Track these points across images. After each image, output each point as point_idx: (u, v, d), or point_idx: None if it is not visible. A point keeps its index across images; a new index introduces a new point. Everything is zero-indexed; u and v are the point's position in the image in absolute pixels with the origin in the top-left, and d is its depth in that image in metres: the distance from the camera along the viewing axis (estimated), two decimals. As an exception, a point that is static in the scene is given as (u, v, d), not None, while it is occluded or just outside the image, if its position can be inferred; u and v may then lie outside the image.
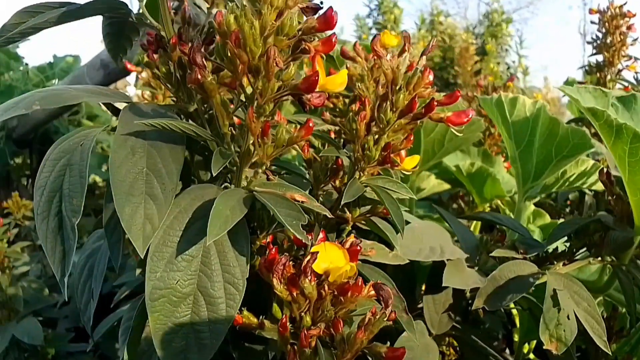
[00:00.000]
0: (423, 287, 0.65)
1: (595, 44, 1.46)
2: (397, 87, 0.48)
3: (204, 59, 0.37)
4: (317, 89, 0.38)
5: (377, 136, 0.48)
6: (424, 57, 0.49)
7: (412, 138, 0.49)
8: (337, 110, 0.71)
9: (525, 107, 0.83)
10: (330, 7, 0.37)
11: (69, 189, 0.39)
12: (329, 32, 0.40)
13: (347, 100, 0.72)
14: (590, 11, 1.45)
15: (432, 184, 1.17)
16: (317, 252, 0.36)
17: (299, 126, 0.40)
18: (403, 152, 0.52)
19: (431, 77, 0.50)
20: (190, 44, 0.41)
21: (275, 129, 0.41)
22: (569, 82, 1.86)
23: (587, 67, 1.51)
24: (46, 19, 0.43)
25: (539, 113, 0.82)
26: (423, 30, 4.11)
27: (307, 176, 0.53)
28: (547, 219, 1.16)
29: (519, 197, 0.86)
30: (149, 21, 0.46)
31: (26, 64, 2.44)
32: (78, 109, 2.27)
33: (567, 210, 1.12)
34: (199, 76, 0.37)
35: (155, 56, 0.47)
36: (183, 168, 0.40)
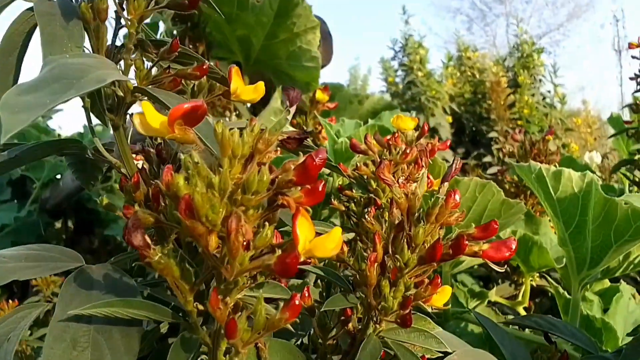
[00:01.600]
0: None
1: (638, 80, 1.37)
2: (415, 217, 0.39)
3: (145, 237, 0.28)
4: (301, 259, 0.29)
5: (393, 280, 0.38)
6: (446, 183, 0.39)
7: (438, 282, 0.38)
8: (351, 210, 0.62)
9: (572, 181, 0.72)
10: (310, 156, 0.28)
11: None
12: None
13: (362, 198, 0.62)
14: (630, 45, 1.36)
15: (470, 258, 1.05)
16: None
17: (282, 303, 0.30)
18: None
19: (457, 198, 0.40)
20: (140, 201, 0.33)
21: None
22: (613, 119, 1.72)
23: (633, 106, 1.41)
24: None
25: (590, 189, 0.70)
26: (451, 68, 4.01)
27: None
28: (606, 282, 1.02)
29: (573, 287, 0.73)
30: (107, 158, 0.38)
31: (58, 135, 2.47)
32: (110, 175, 2.26)
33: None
34: (144, 257, 0.28)
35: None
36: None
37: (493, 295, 1.09)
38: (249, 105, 1.18)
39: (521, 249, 0.97)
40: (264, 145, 0.30)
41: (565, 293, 0.80)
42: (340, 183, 0.67)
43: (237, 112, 1.12)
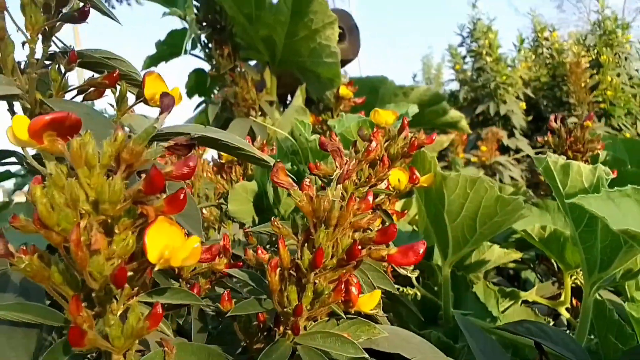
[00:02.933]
0: None
1: None
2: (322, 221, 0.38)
3: (7, 246, 0.29)
4: (156, 267, 0.29)
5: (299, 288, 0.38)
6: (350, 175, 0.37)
7: (342, 288, 0.37)
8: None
9: (582, 176, 0.66)
10: (154, 167, 0.28)
11: None
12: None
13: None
14: None
15: (497, 255, 1.00)
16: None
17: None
18: (354, 289, 0.40)
19: (370, 200, 0.38)
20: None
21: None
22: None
23: None
24: None
25: (600, 184, 0.63)
26: (525, 50, 3.78)
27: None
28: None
29: (585, 291, 0.67)
30: None
31: None
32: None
33: None
34: (11, 264, 0.30)
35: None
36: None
37: (533, 294, 1.03)
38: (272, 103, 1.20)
39: (554, 246, 0.91)
40: (129, 155, 0.31)
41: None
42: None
43: (262, 112, 1.14)
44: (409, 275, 0.42)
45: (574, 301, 0.99)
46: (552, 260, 1.03)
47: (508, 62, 3.49)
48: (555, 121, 1.02)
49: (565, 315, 0.97)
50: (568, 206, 0.67)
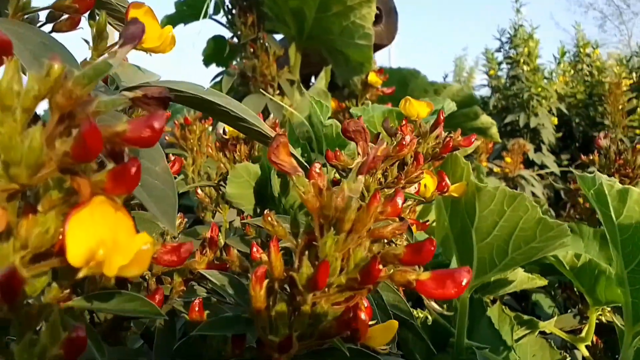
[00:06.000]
0: None
1: None
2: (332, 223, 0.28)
3: None
4: (82, 273, 0.20)
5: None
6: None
7: (349, 317, 0.28)
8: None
9: (644, 205, 0.55)
10: (88, 121, 0.19)
11: None
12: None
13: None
14: None
15: (521, 279, 0.90)
16: None
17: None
18: (364, 316, 0.31)
19: (399, 201, 0.29)
20: None
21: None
22: None
23: None
24: None
25: (665, 217, 0.53)
26: (564, 64, 3.61)
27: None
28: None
29: (625, 341, 0.57)
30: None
31: None
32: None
33: None
34: None
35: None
36: None
37: (551, 325, 0.93)
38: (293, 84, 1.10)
39: (586, 278, 0.81)
40: (66, 99, 0.21)
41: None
42: (336, 176, 0.57)
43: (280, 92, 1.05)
44: (444, 313, 0.32)
45: (594, 338, 0.90)
46: (575, 290, 0.93)
47: (545, 74, 3.33)
48: (605, 139, 0.91)
49: (584, 352, 0.88)
50: (620, 240, 0.57)
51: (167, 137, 0.81)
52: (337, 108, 1.07)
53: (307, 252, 0.28)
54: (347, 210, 0.26)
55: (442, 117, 0.52)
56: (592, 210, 0.96)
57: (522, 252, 0.57)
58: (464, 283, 0.26)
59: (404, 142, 0.44)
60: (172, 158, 0.50)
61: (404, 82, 1.50)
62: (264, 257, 0.29)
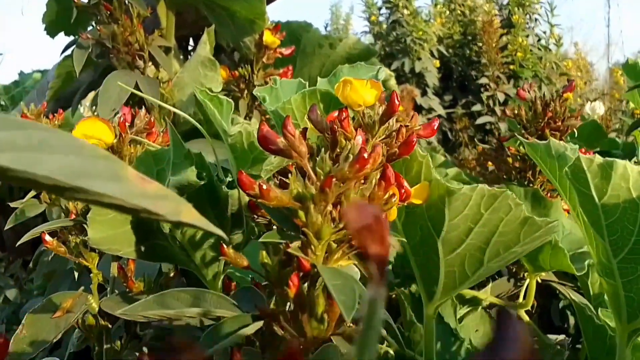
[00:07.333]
0: None
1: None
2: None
3: None
4: None
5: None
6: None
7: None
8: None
9: (629, 182, 0.46)
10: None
11: None
12: None
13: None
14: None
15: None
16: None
17: None
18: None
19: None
20: None
21: None
22: (629, 66, 1.47)
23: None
24: None
25: (660, 196, 0.44)
26: (440, 5, 3.63)
27: None
28: None
29: (619, 340, 0.48)
30: None
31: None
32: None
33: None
34: None
35: None
36: None
37: (488, 294, 0.86)
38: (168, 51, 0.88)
39: (527, 247, 0.73)
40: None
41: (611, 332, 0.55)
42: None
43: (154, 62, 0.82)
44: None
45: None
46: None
47: (423, 17, 3.32)
48: (529, 91, 0.83)
49: (524, 318, 0.83)
50: (605, 224, 0.47)
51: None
52: (228, 78, 0.88)
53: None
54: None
55: (396, 102, 0.37)
56: (520, 169, 0.89)
57: (499, 260, 0.45)
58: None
59: (364, 156, 0.29)
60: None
61: (295, 38, 1.33)
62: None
